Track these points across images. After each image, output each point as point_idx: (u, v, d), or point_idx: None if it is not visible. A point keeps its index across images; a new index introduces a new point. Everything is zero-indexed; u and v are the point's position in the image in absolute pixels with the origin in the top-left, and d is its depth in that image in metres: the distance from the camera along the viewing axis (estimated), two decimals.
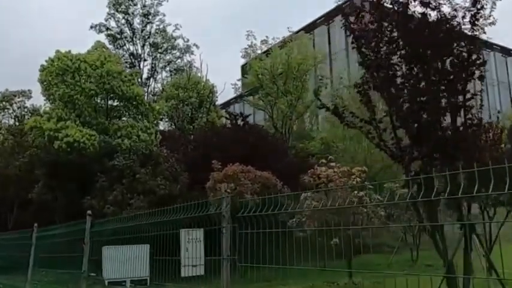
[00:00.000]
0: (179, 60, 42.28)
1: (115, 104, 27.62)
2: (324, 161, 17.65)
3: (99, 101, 27.01)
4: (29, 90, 37.47)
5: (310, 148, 34.95)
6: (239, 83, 49.17)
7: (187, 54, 41.68)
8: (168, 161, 25.76)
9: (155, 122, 27.97)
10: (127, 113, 27.41)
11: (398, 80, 8.84)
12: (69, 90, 24.97)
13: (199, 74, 38.71)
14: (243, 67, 68.75)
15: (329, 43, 59.68)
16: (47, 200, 24.72)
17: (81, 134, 23.83)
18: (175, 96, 35.93)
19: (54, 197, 24.80)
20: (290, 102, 38.32)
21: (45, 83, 27.55)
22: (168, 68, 42.10)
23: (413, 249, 21.82)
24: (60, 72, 25.17)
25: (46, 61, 25.83)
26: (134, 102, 27.07)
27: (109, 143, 25.25)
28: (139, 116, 27.27)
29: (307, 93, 40.08)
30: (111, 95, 26.47)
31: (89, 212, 9.51)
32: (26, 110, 37.47)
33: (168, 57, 41.45)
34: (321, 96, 43.36)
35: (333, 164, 17.20)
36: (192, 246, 23.90)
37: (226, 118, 30.89)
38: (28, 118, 34.40)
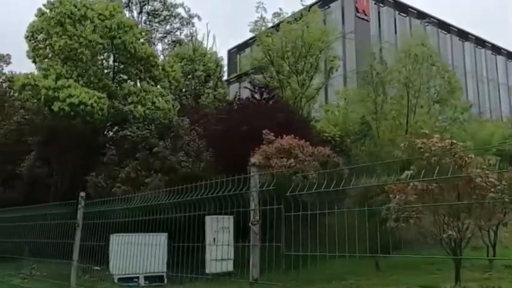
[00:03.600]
0: (178, 32, 37.30)
1: (121, 66, 22.53)
2: (426, 131, 13.51)
3: (104, 59, 21.87)
4: (7, 54, 31.63)
5: (327, 132, 30.80)
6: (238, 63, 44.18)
7: (189, 26, 36.69)
8: (189, 134, 21.02)
9: (171, 88, 23.06)
10: (137, 77, 22.41)
11: None
12: (72, 42, 19.78)
13: (204, 45, 33.85)
14: (230, 52, 63.90)
15: None
16: (40, 175, 19.50)
17: (88, 95, 18.73)
18: (179, 68, 30.95)
19: (49, 172, 19.62)
20: (303, 82, 34.07)
21: (34, 39, 22.15)
22: (166, 40, 37.02)
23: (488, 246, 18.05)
24: (62, 20, 19.92)
25: (44, 5, 20.50)
26: (147, 65, 22.11)
27: (119, 110, 20.22)
28: (152, 81, 22.36)
29: (319, 74, 36.02)
30: (121, 53, 21.38)
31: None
32: (4, 77, 31.51)
33: (167, 28, 36.37)
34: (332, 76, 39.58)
35: (437, 136, 13.04)
36: (219, 236, 19.18)
37: (249, 90, 26.46)
38: (6, 87, 28.73)
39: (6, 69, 30.79)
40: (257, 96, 24.88)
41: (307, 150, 16.24)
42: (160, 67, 22.49)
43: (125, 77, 22.54)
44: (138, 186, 18.82)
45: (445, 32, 63.16)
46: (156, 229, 9.90)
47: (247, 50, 53.11)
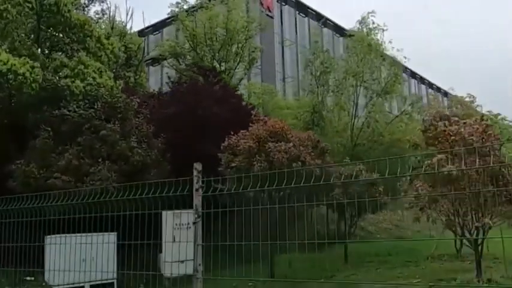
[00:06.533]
0: (86, 10, 32.62)
1: (51, 32, 18.36)
2: (477, 117, 12.08)
3: (31, 21, 17.54)
4: None
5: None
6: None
7: (98, 2, 32.23)
8: (137, 117, 17.73)
9: (109, 64, 19.40)
10: (69, 47, 18.43)
11: None
12: None
13: (124, 24, 29.93)
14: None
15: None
16: None
17: (19, 63, 14.58)
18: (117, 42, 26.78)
19: None
20: (228, 71, 31.91)
21: None
22: None
23: None
24: None
25: None
26: (80, 34, 18.27)
27: (53, 83, 16.21)
28: (85, 54, 18.55)
29: (243, 64, 34.13)
30: (51, 16, 17.29)
31: None
32: None
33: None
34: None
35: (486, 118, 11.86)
36: (180, 234, 16.56)
37: (196, 74, 23.36)
38: None
39: None
40: (201, 78, 22.20)
41: (295, 135, 14.28)
42: (95, 38, 18.72)
43: (53, 47, 18.39)
44: (81, 177, 15.22)
45: (338, 36, 65.03)
46: (102, 228, 7.79)
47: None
